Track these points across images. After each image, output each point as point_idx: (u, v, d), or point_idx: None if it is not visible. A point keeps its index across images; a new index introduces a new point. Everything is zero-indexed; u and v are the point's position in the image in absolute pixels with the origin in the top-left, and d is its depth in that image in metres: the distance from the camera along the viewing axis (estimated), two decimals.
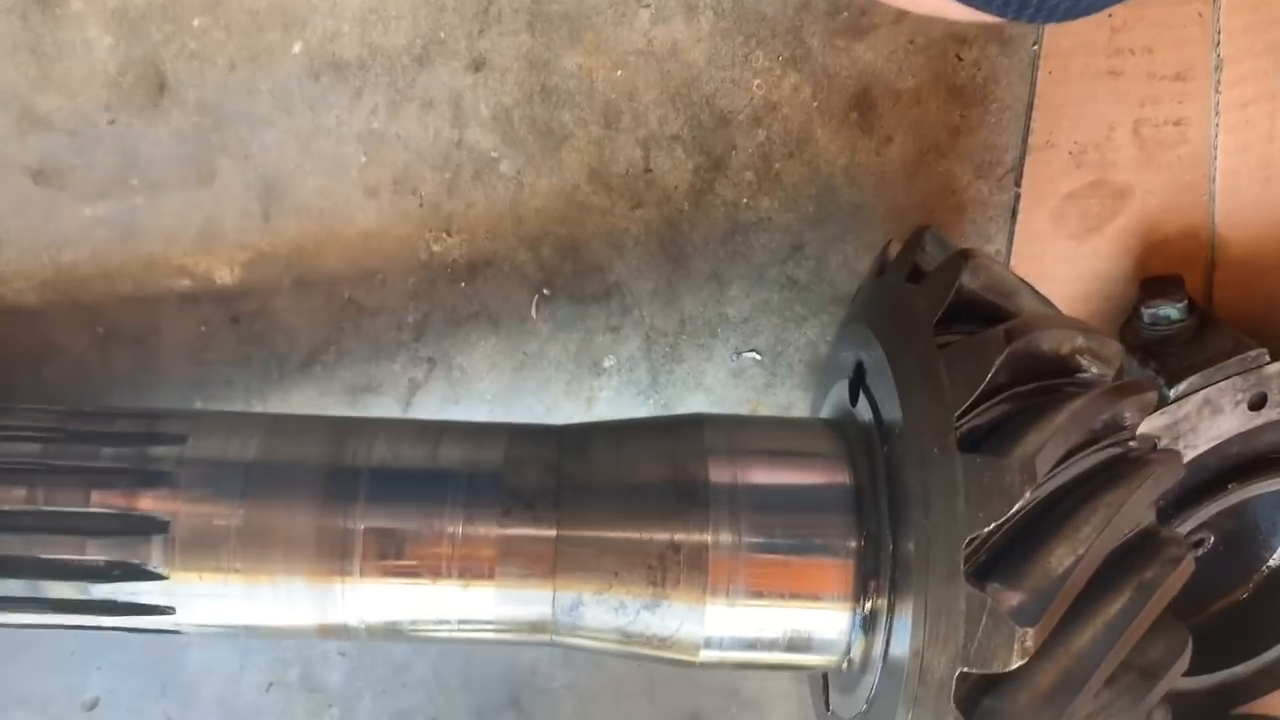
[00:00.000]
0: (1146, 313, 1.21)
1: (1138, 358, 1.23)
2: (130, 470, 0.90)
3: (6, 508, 0.88)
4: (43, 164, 0.99)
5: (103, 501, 0.88)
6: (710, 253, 1.16)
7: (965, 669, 0.77)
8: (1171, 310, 1.21)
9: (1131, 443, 0.87)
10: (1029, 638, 0.74)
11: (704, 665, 0.96)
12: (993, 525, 0.77)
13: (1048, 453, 0.79)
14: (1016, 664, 0.74)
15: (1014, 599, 0.76)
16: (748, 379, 1.23)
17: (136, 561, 0.88)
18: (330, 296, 1.09)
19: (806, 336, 1.22)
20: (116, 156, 1.00)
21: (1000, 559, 0.79)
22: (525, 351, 1.17)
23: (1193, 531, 1.27)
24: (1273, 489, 1.23)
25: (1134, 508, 0.82)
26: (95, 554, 0.88)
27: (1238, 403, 1.19)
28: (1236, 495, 1.24)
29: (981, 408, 0.84)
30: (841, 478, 0.94)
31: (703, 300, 1.18)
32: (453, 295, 1.13)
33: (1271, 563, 1.39)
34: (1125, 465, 0.84)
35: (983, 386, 0.81)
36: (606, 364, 1.19)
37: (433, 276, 1.11)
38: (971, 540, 0.78)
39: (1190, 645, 0.85)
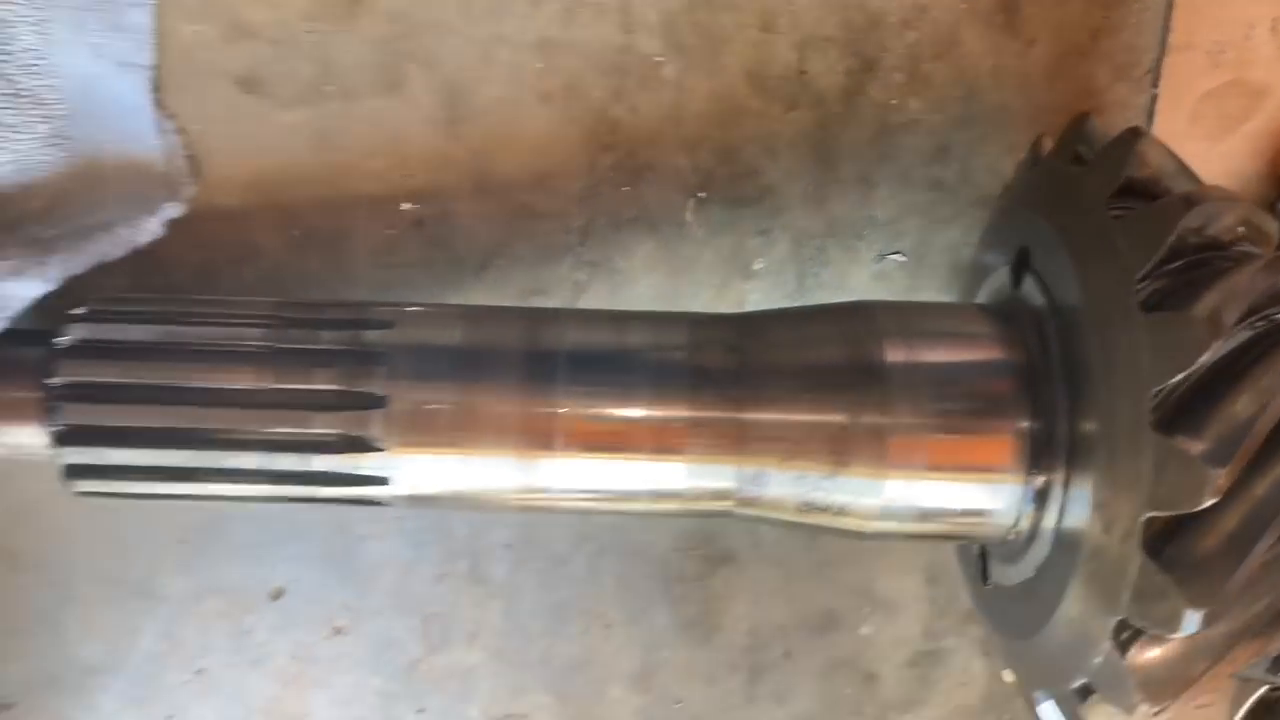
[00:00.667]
0: None
1: None
2: (348, 351, 0.97)
3: (238, 385, 0.96)
4: (247, 72, 1.06)
5: (326, 379, 0.96)
6: (859, 155, 1.20)
7: (1153, 514, 0.82)
8: None
9: None
10: (1220, 478, 0.79)
11: (875, 535, 1.01)
12: (1179, 377, 0.82)
13: (1230, 308, 0.83)
14: (1209, 502, 0.79)
15: (1201, 445, 0.81)
16: (892, 280, 1.27)
17: (358, 434, 0.95)
18: (505, 201, 1.15)
19: (950, 238, 1.26)
20: (314, 64, 1.06)
21: (1184, 412, 0.83)
22: (681, 255, 1.22)
23: None
24: None
25: None
26: (320, 427, 0.95)
27: None
28: None
29: (1150, 278, 0.88)
30: (1013, 355, 0.99)
31: (850, 203, 1.22)
32: (616, 199, 1.18)
33: None
34: None
35: (1163, 249, 0.85)
36: (756, 267, 1.24)
37: (598, 181, 1.17)
38: (1156, 394, 0.83)
39: None
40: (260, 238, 1.12)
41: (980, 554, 1.13)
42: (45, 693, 1.31)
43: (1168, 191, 0.96)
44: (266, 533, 1.27)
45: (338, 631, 1.32)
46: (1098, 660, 0.89)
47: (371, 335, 0.98)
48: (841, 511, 0.99)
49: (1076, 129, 1.03)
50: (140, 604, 1.28)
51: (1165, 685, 0.89)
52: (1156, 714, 0.89)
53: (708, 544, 1.40)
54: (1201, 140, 1.27)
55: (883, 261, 1.26)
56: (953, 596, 1.47)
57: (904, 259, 1.26)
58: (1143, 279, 0.86)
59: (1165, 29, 1.21)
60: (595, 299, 1.23)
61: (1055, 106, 1.22)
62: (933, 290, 1.29)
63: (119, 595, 1.27)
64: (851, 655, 1.48)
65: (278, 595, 1.30)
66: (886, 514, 0.98)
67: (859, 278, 1.27)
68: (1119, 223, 0.89)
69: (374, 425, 0.95)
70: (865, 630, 1.47)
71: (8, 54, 0.95)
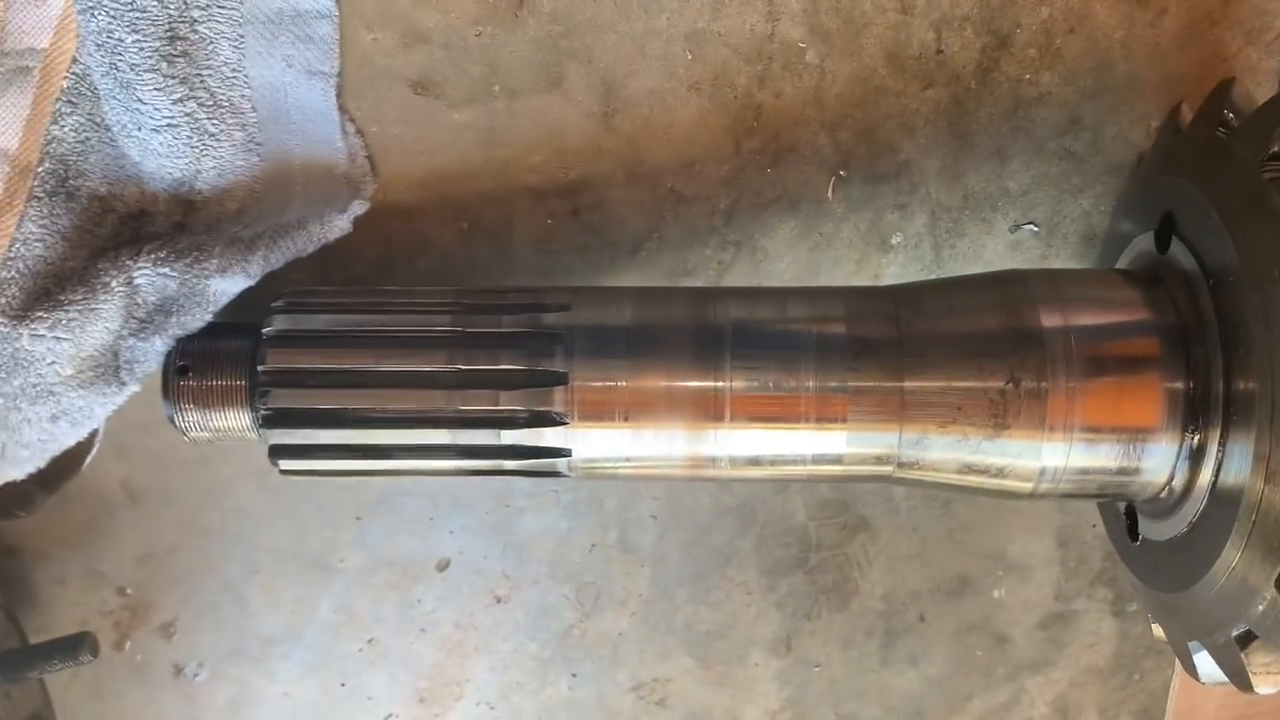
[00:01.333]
0: None
1: None
2: (530, 333, 1.03)
3: (430, 368, 1.03)
4: (421, 76, 1.13)
5: (511, 360, 1.03)
6: (994, 129, 1.24)
7: None
8: None
9: None
10: None
11: (1034, 495, 1.05)
12: None
13: None
14: None
15: None
16: (1025, 250, 1.31)
17: (544, 408, 1.02)
18: (655, 187, 1.21)
19: (1081, 207, 1.29)
20: (481, 66, 1.13)
21: None
22: (820, 232, 1.27)
23: None
24: None
25: None
26: (507, 404, 1.02)
27: None
28: None
29: None
30: (1165, 317, 1.02)
31: (985, 175, 1.26)
32: (759, 181, 1.23)
33: None
34: None
35: None
36: (894, 241, 1.29)
37: (742, 164, 1.22)
38: None
39: None
40: (431, 231, 1.20)
41: (1128, 511, 1.16)
42: (230, 661, 1.41)
43: None
44: (434, 508, 1.35)
45: (498, 600, 1.40)
46: (1261, 608, 0.92)
47: (550, 318, 1.04)
48: (1001, 473, 1.03)
49: (1222, 95, 1.06)
50: (317, 577, 1.37)
51: None
52: None
53: (844, 511, 1.45)
54: None
55: (1017, 232, 1.30)
56: (1083, 558, 1.51)
57: (1037, 229, 1.30)
58: None
59: None
60: (738, 277, 1.28)
61: (1185, 75, 1.25)
62: (1065, 257, 1.32)
63: (298, 569, 1.36)
64: (983, 618, 1.53)
65: (444, 566, 1.39)
66: (1045, 474, 1.03)
67: (994, 249, 1.31)
68: (1275, 184, 0.92)
69: (557, 400, 1.02)
70: (997, 594, 1.52)
71: (210, 68, 1.03)
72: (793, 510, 1.44)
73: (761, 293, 1.08)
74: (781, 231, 1.27)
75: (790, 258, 1.28)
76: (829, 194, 1.25)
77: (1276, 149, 0.97)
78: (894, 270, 1.31)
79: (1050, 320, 1.01)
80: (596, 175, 1.20)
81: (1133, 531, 1.16)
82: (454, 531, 1.37)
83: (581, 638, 1.45)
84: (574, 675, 1.47)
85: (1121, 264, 1.17)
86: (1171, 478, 1.03)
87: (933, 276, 1.32)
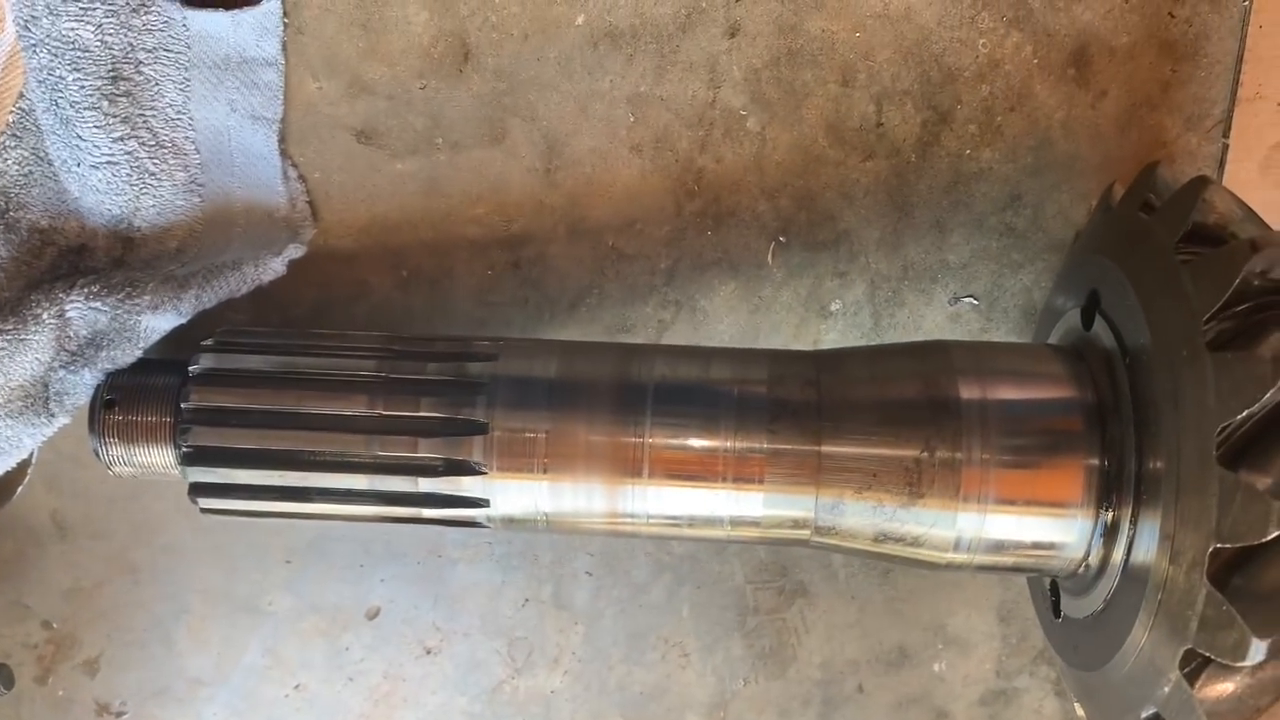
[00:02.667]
0: None
1: None
2: (453, 382, 1.04)
3: (351, 413, 1.04)
4: (365, 125, 1.15)
5: (432, 408, 1.03)
6: (934, 202, 1.25)
7: (1219, 545, 0.85)
8: None
9: None
10: None
11: (949, 566, 1.05)
12: (1244, 414, 0.85)
13: None
14: (1274, 534, 0.82)
15: (1267, 480, 0.84)
16: (965, 323, 1.32)
17: (462, 457, 1.02)
18: (596, 244, 1.23)
19: (1022, 282, 1.30)
20: (425, 118, 1.15)
21: (1249, 448, 0.87)
22: (760, 296, 1.28)
23: None
24: None
25: None
26: (426, 452, 1.03)
27: None
28: None
29: (1220, 318, 0.92)
30: (1083, 393, 1.03)
31: (925, 247, 1.28)
32: (700, 243, 1.25)
33: None
34: None
35: (1229, 292, 0.89)
36: (833, 308, 1.30)
37: (683, 225, 1.24)
38: (1222, 431, 0.86)
39: None
40: (371, 277, 1.21)
41: (1052, 587, 1.16)
42: (154, 701, 1.40)
43: (1235, 237, 1.00)
44: (365, 555, 1.35)
45: (428, 652, 1.39)
46: (1166, 690, 0.91)
47: (475, 367, 1.05)
48: (916, 542, 1.03)
49: (1146, 178, 1.07)
50: (246, 619, 1.36)
51: (1232, 716, 0.91)
52: None
53: (783, 576, 1.44)
54: (1273, 189, 1.30)
55: (957, 304, 1.31)
56: (1025, 635, 1.50)
57: (976, 303, 1.31)
58: (1209, 320, 0.90)
59: (1236, 81, 1.25)
60: (678, 336, 1.29)
61: (1126, 156, 1.27)
62: (1005, 331, 1.33)
63: (227, 610, 1.35)
64: (924, 692, 1.51)
65: (374, 615, 1.38)
66: (960, 545, 1.03)
67: (933, 320, 1.32)
68: (1186, 267, 0.93)
69: (475, 450, 1.02)
70: (937, 667, 1.50)
71: (154, 108, 1.06)
72: (731, 572, 1.43)
73: (687, 351, 1.09)
74: (722, 293, 1.28)
75: (730, 319, 1.29)
76: (769, 259, 1.26)
77: (1200, 228, 0.99)
78: (833, 336, 1.32)
79: (969, 392, 1.02)
80: (538, 230, 1.21)
81: (1056, 608, 1.15)
82: (385, 580, 1.36)
83: (512, 694, 1.43)
84: None
85: (1054, 338, 1.18)
86: (1087, 554, 1.03)
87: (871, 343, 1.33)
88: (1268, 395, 0.84)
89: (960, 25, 1.18)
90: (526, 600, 1.39)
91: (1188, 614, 0.87)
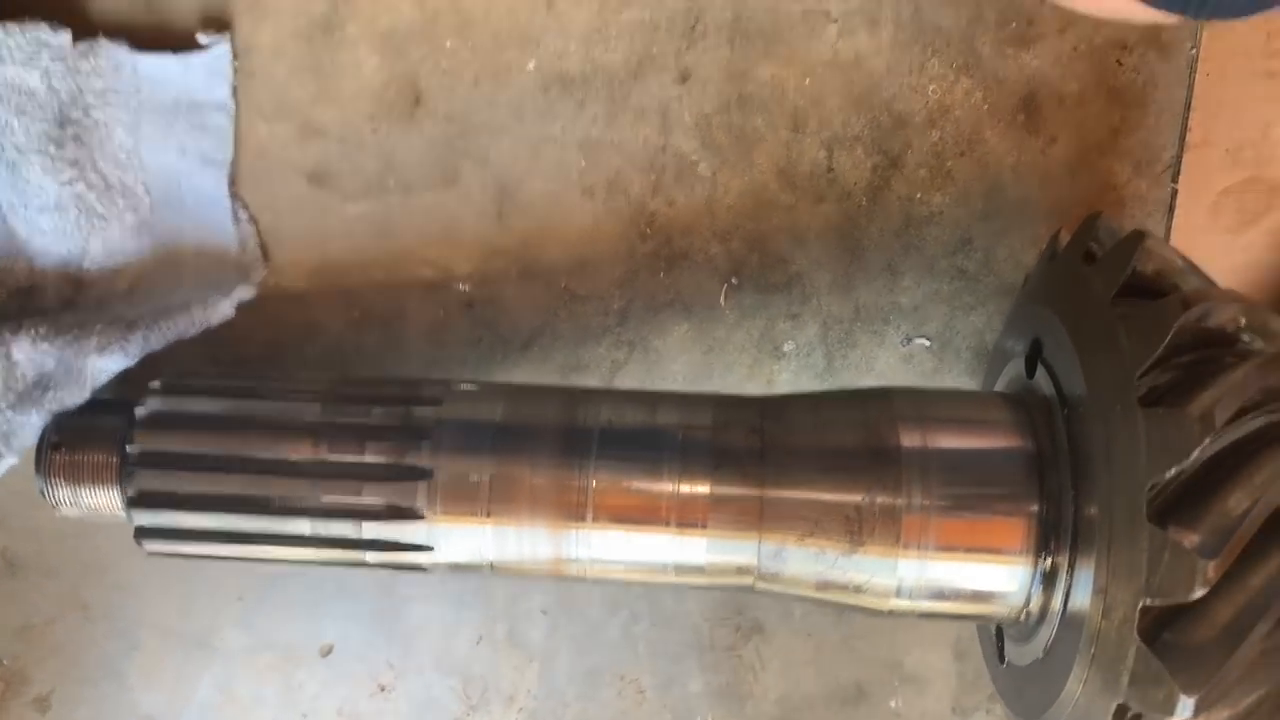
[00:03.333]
0: None
1: None
2: (398, 427, 1.04)
3: (295, 457, 1.04)
4: (316, 168, 1.16)
5: (376, 453, 1.03)
6: (885, 245, 1.26)
7: (1148, 601, 0.86)
8: None
9: None
10: (1210, 569, 0.82)
11: (893, 613, 1.06)
12: (1174, 471, 0.86)
13: (1224, 405, 0.87)
14: (1199, 594, 0.83)
15: (1194, 537, 0.85)
16: (917, 364, 1.33)
17: (405, 504, 1.02)
18: (549, 285, 1.23)
19: (974, 324, 1.31)
20: (377, 161, 1.16)
21: (1179, 504, 0.87)
22: (714, 336, 1.29)
23: None
24: None
25: None
26: (369, 497, 1.03)
27: None
28: None
29: (1154, 373, 0.93)
30: (1023, 443, 1.03)
31: (877, 290, 1.28)
32: (652, 284, 1.25)
33: None
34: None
35: (1161, 348, 0.90)
36: (786, 349, 1.31)
37: (636, 267, 1.24)
38: (1152, 486, 0.87)
39: None
40: (323, 317, 1.22)
41: (997, 632, 1.17)
42: None
43: (1174, 289, 1.01)
44: (319, 592, 1.35)
45: (382, 689, 1.39)
46: None
47: (421, 412, 1.05)
48: (858, 589, 1.04)
49: (1088, 227, 1.08)
50: (199, 656, 1.35)
51: None
52: None
53: (739, 614, 1.44)
54: (1222, 233, 1.32)
55: (909, 345, 1.32)
56: (980, 672, 1.50)
57: (929, 344, 1.32)
58: (1143, 374, 0.91)
59: (1184, 128, 1.26)
60: (632, 375, 1.30)
61: (1076, 200, 1.28)
62: (958, 373, 1.34)
63: (180, 647, 1.35)
64: None
65: (327, 652, 1.38)
66: (901, 592, 1.03)
67: (886, 360, 1.32)
68: (1122, 320, 0.94)
69: (419, 496, 1.03)
70: (894, 704, 1.50)
71: (103, 152, 1.06)
72: (687, 610, 1.44)
73: (633, 396, 1.10)
74: (675, 334, 1.29)
75: (684, 360, 1.30)
76: (722, 300, 1.27)
77: (1141, 280, 1.00)
78: (787, 376, 1.32)
79: (909, 440, 1.03)
80: (490, 271, 1.22)
81: (1001, 653, 1.16)
82: (338, 617, 1.36)
83: None
84: None
85: (1000, 383, 1.19)
86: (1028, 601, 1.03)
87: (825, 384, 1.33)
88: (1195, 454, 0.85)
89: (910, 72, 1.19)
90: (481, 638, 1.39)
91: (1120, 668, 0.88)
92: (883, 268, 1.28)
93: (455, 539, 1.04)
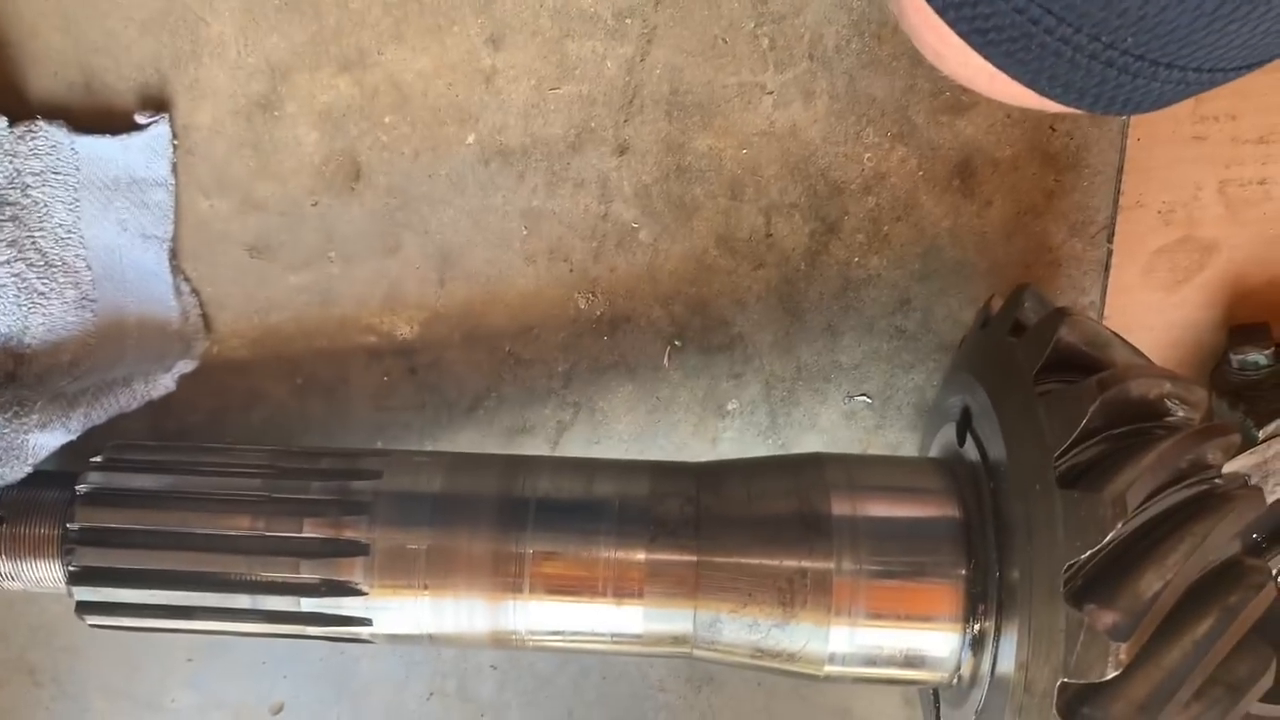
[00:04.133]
0: (1235, 359, 1.30)
1: (1227, 401, 1.31)
2: (336, 501, 1.06)
3: (233, 532, 1.05)
4: (257, 240, 1.17)
5: (314, 528, 1.05)
6: (824, 307, 1.28)
7: (1066, 680, 0.88)
8: (1259, 356, 1.29)
9: (1217, 480, 0.97)
10: (1122, 651, 0.85)
11: (828, 678, 1.07)
12: (1088, 554, 0.88)
13: (1137, 489, 0.89)
14: (1111, 674, 0.85)
15: (1109, 618, 0.87)
16: (859, 421, 1.35)
17: (342, 579, 1.04)
18: (493, 350, 1.25)
19: (914, 382, 1.33)
20: (318, 233, 1.17)
21: (1096, 583, 0.90)
22: (658, 396, 1.31)
23: None
24: None
25: (1218, 538, 0.92)
26: (307, 573, 1.04)
27: None
28: None
29: (1078, 449, 0.95)
30: (952, 511, 1.05)
31: (817, 350, 1.31)
32: (596, 347, 1.27)
33: None
34: (1210, 500, 0.94)
35: (1077, 431, 0.92)
36: (730, 407, 1.33)
37: (580, 331, 1.26)
38: (1070, 566, 0.89)
39: (1275, 665, 0.94)
40: (266, 386, 1.23)
41: (935, 695, 1.19)
42: None
43: (1099, 364, 1.03)
44: (269, 651, 1.36)
45: None
46: None
47: (359, 485, 1.07)
48: (792, 657, 1.05)
49: (1015, 300, 1.11)
50: (149, 718, 1.36)
51: None
52: None
53: (690, 665, 1.46)
54: (1156, 291, 1.34)
55: (851, 403, 1.34)
56: None
57: (870, 401, 1.34)
58: (1061, 454, 0.93)
59: (1117, 190, 1.29)
60: (578, 436, 1.31)
61: (1013, 261, 1.30)
62: (899, 428, 1.36)
63: (130, 709, 1.35)
64: None
65: (278, 710, 1.38)
66: (834, 659, 1.05)
67: (828, 417, 1.34)
68: (1043, 400, 0.97)
69: (356, 571, 1.04)
70: None
71: (43, 229, 1.07)
72: (637, 661, 1.45)
73: (571, 465, 1.11)
74: (620, 395, 1.30)
75: (629, 419, 1.32)
76: (665, 362, 1.29)
77: (1067, 354, 1.02)
78: (731, 434, 1.34)
79: (840, 508, 1.05)
80: (433, 336, 1.23)
81: (937, 715, 1.17)
82: (288, 676, 1.37)
83: None
84: None
85: (935, 447, 1.21)
86: (959, 666, 1.05)
87: (769, 441, 1.35)
88: (1108, 537, 0.87)
89: (845, 141, 1.21)
90: (431, 693, 1.40)
91: None
92: (823, 328, 1.30)
93: (393, 612, 1.05)
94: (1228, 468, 1.09)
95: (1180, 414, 1.00)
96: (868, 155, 1.22)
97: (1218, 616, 0.91)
